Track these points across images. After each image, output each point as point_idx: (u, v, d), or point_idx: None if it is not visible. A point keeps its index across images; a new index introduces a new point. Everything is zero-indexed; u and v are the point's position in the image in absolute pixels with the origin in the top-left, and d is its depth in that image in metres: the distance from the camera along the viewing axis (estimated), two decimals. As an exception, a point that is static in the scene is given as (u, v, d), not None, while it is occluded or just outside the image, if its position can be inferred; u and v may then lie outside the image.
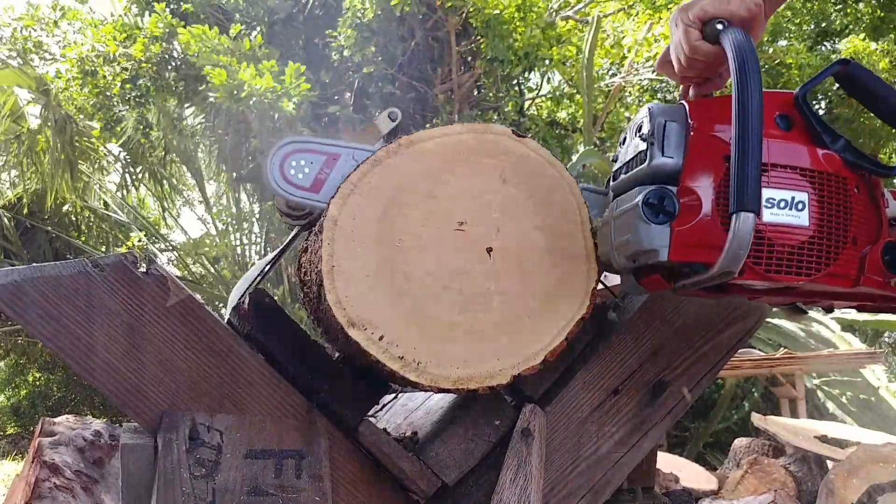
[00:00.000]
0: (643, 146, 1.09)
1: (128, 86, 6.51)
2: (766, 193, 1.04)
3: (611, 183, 1.20)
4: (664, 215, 1.04)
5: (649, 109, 1.11)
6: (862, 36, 7.63)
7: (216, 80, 5.31)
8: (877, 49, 6.97)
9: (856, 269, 1.09)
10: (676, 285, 1.09)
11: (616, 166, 1.19)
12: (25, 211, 8.57)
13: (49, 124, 7.41)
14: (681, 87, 1.26)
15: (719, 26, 1.09)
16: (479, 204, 1.20)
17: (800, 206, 1.06)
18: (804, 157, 1.08)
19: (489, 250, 1.18)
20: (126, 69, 6.47)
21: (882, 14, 8.36)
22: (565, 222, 1.23)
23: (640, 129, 1.11)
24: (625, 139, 1.17)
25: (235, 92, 5.24)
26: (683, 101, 1.13)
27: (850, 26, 8.59)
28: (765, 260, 1.04)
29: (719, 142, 1.06)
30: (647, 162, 1.08)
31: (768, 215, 1.04)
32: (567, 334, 1.20)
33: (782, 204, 1.06)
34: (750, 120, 0.98)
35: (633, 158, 1.13)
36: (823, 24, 8.90)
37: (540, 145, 1.27)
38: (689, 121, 1.08)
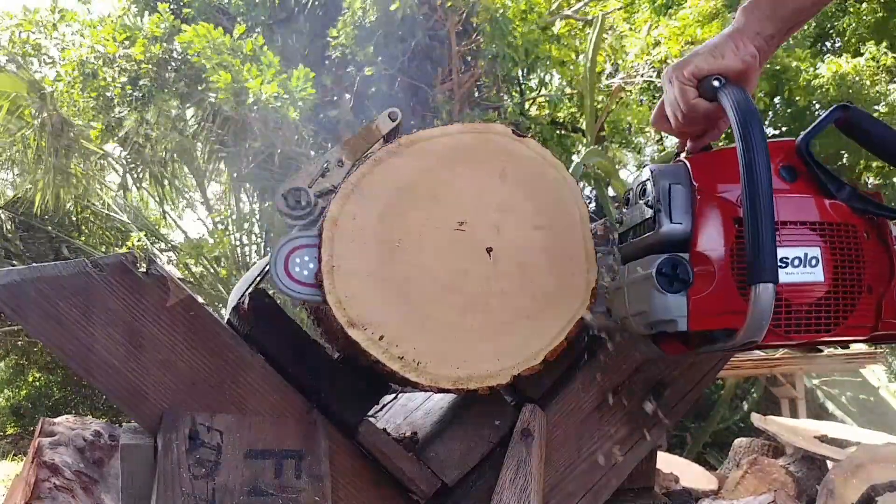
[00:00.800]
0: (649, 213, 1.08)
1: (128, 87, 6.51)
2: (780, 253, 1.01)
3: (617, 244, 1.19)
4: (679, 284, 1.03)
5: (651, 172, 1.09)
6: (845, 55, 7.58)
7: (220, 84, 5.32)
8: (860, 62, 6.91)
9: (873, 318, 1.08)
10: (698, 350, 1.08)
11: (622, 229, 1.17)
12: (25, 211, 8.57)
13: (46, 128, 7.41)
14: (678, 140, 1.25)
15: (716, 83, 1.08)
16: (479, 204, 1.19)
17: (813, 261, 1.05)
18: (813, 211, 1.07)
19: (489, 250, 1.18)
20: (126, 70, 6.47)
21: (884, 14, 8.36)
22: (565, 222, 1.23)
23: (643, 191, 1.10)
24: (628, 199, 1.16)
25: (240, 96, 5.25)
26: (684, 160, 1.12)
27: (853, 26, 8.59)
28: (783, 321, 1.02)
29: (727, 203, 1.05)
30: (655, 229, 1.07)
31: (783, 276, 1.01)
32: (567, 334, 1.20)
33: (796, 262, 1.04)
34: (759, 188, 0.96)
35: (640, 224, 1.11)
36: (827, 27, 8.90)
37: (540, 145, 1.27)
38: (694, 182, 1.07)
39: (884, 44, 7.32)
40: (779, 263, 0.99)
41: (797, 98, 6.58)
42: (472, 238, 1.18)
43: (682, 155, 1.18)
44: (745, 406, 5.72)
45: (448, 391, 1.17)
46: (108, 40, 6.47)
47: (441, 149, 1.21)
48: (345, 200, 1.15)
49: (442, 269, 1.16)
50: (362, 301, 1.12)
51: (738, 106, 1.02)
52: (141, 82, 6.50)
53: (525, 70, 6.12)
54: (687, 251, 1.04)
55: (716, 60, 1.09)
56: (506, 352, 1.17)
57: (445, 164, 1.20)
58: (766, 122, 8.03)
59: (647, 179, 1.10)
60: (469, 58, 6.43)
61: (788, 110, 6.90)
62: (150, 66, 6.41)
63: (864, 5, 8.47)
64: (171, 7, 6.68)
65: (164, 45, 6.41)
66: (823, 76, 6.56)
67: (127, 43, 6.47)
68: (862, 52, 7.34)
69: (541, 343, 1.18)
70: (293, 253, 1.15)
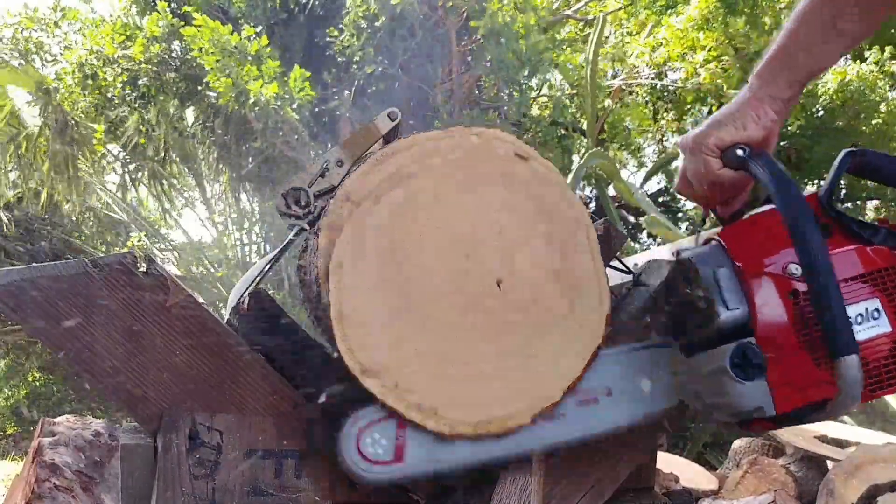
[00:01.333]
0: (702, 303, 1.06)
1: (128, 87, 6.51)
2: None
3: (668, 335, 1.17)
4: (754, 370, 1.02)
5: (687, 261, 1.09)
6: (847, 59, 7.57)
7: (221, 88, 5.32)
8: (864, 69, 6.89)
9: None
10: (782, 427, 1.09)
11: (667, 320, 1.17)
12: (25, 211, 8.57)
13: (49, 125, 7.41)
14: (702, 209, 1.26)
15: (740, 152, 1.09)
16: (479, 208, 1.17)
17: (876, 314, 1.04)
18: (858, 263, 1.06)
19: (499, 283, 1.14)
20: (126, 70, 6.47)
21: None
22: (575, 245, 1.19)
23: (687, 280, 1.08)
24: (672, 287, 1.14)
25: (241, 97, 5.26)
26: (718, 238, 1.12)
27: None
28: (867, 381, 0.99)
29: (779, 279, 1.04)
30: (714, 320, 1.05)
31: (857, 334, 1.00)
32: (585, 366, 1.16)
33: (859, 319, 1.03)
34: (818, 260, 0.96)
35: (694, 317, 1.09)
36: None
37: (543, 159, 1.23)
38: (736, 263, 1.06)
39: (888, 49, 7.29)
40: None
41: (800, 101, 6.58)
42: (480, 272, 1.14)
43: (707, 222, 1.21)
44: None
45: (468, 437, 1.11)
46: (107, 40, 6.48)
47: (439, 151, 1.20)
48: (341, 205, 1.14)
49: (452, 306, 1.11)
50: (370, 343, 1.08)
51: (773, 175, 1.03)
52: (140, 82, 6.50)
53: (528, 74, 6.12)
54: (751, 335, 1.03)
55: (738, 132, 1.11)
56: (524, 391, 1.12)
57: (444, 167, 1.19)
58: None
59: (686, 270, 1.08)
60: (469, 58, 6.43)
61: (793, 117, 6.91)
62: (149, 66, 6.41)
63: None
64: (171, 7, 6.67)
65: (164, 44, 6.41)
66: (827, 84, 6.55)
67: (127, 43, 6.47)
68: (865, 56, 7.31)
69: (558, 378, 1.14)
70: (362, 435, 1.08)
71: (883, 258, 1.07)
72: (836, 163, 1.15)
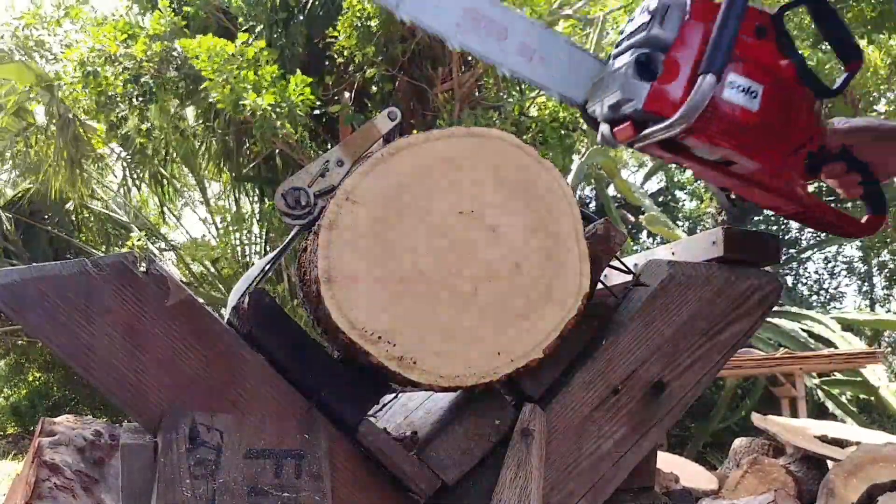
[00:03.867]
0: (646, 18, 1.27)
1: (130, 85, 6.51)
2: (731, 77, 1.25)
3: (614, 50, 1.35)
4: (648, 74, 1.23)
5: None
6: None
7: (219, 97, 5.32)
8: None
9: (782, 161, 1.33)
10: (641, 134, 1.26)
11: (620, 38, 1.34)
12: (26, 211, 8.57)
13: (53, 121, 7.42)
14: None
15: None
16: (476, 207, 1.20)
17: (754, 94, 1.27)
18: (767, 59, 1.30)
19: (485, 252, 1.19)
20: (128, 69, 6.47)
21: (887, 6, 8.33)
22: (560, 226, 1.25)
23: (648, 6, 1.29)
24: (632, 18, 1.34)
25: (238, 107, 5.25)
26: None
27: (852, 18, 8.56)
28: (716, 125, 1.24)
29: (707, 30, 1.24)
30: (646, 31, 1.26)
31: (728, 93, 1.26)
32: (561, 332, 1.22)
33: (740, 88, 1.27)
34: (734, 6, 1.20)
35: (635, 29, 1.29)
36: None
37: (538, 152, 1.28)
38: (689, 9, 1.27)
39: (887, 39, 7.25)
40: (728, 83, 1.24)
41: None
42: (467, 240, 1.19)
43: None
44: (746, 406, 5.72)
45: (448, 389, 1.18)
46: (109, 39, 6.47)
47: (438, 152, 1.21)
48: (341, 204, 1.15)
49: (438, 270, 1.17)
50: (360, 304, 1.13)
51: None
52: (142, 80, 6.49)
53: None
54: (665, 54, 1.24)
55: None
56: (503, 349, 1.19)
57: (443, 168, 1.20)
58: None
59: None
60: (469, 57, 6.42)
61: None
62: (151, 65, 6.41)
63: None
64: (173, 6, 6.66)
65: (166, 42, 6.40)
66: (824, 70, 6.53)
67: (129, 42, 6.47)
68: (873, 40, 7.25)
69: (536, 339, 1.21)
70: None
71: (785, 71, 1.31)
72: None
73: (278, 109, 5.32)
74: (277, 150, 6.29)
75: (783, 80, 1.30)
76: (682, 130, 1.20)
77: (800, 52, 1.34)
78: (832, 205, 1.48)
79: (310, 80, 5.61)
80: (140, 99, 6.59)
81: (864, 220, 1.44)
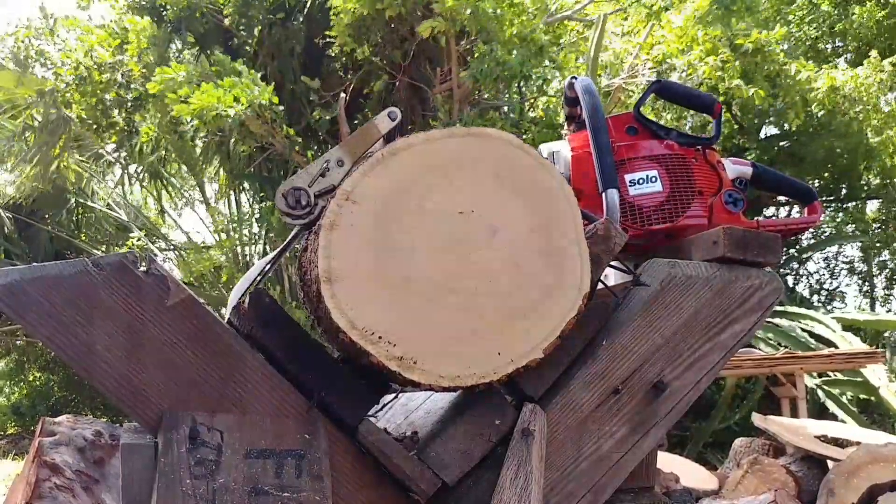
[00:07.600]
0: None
1: (122, 91, 6.51)
2: (628, 178, 1.57)
3: None
4: None
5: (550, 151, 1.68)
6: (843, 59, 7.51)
7: (181, 112, 5.31)
8: (859, 73, 6.81)
9: (707, 212, 1.60)
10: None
11: None
12: (26, 211, 8.57)
13: (48, 126, 7.42)
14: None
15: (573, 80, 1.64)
16: (476, 207, 1.20)
17: (653, 179, 1.58)
18: (648, 149, 1.61)
19: (485, 252, 1.19)
20: (122, 74, 6.48)
21: (884, 14, 8.32)
22: (560, 226, 1.24)
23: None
24: None
25: (204, 113, 5.23)
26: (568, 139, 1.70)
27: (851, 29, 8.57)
28: (639, 218, 1.57)
29: (591, 162, 1.55)
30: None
31: (633, 191, 1.57)
32: (560, 332, 1.22)
33: (640, 182, 1.57)
34: (599, 133, 1.53)
35: None
36: (830, 25, 8.86)
37: (537, 152, 1.28)
38: (571, 153, 1.63)
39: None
40: (629, 184, 1.57)
41: (796, 99, 6.55)
42: (468, 240, 1.19)
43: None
44: (746, 406, 5.71)
45: (448, 389, 1.18)
46: (104, 44, 6.48)
47: (438, 152, 1.21)
48: (341, 204, 1.15)
49: (439, 271, 1.17)
50: (361, 304, 1.13)
51: (587, 99, 1.59)
52: (133, 86, 6.49)
53: (525, 76, 6.08)
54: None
55: None
56: (503, 349, 1.19)
57: (442, 168, 1.20)
58: (767, 121, 8.04)
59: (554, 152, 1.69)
60: (469, 58, 6.41)
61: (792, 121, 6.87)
62: (142, 69, 6.39)
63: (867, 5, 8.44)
64: (164, 13, 6.63)
65: (154, 52, 6.39)
66: (819, 88, 6.52)
67: (123, 47, 6.47)
68: (862, 62, 7.27)
69: (536, 339, 1.20)
70: None
71: (669, 148, 1.62)
72: (645, 91, 1.78)
73: (248, 111, 5.29)
74: (274, 153, 6.29)
75: (670, 155, 1.59)
76: (620, 238, 1.34)
77: (670, 126, 1.67)
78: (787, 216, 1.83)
79: (256, 74, 5.56)
80: (134, 103, 6.59)
81: (805, 211, 1.79)
